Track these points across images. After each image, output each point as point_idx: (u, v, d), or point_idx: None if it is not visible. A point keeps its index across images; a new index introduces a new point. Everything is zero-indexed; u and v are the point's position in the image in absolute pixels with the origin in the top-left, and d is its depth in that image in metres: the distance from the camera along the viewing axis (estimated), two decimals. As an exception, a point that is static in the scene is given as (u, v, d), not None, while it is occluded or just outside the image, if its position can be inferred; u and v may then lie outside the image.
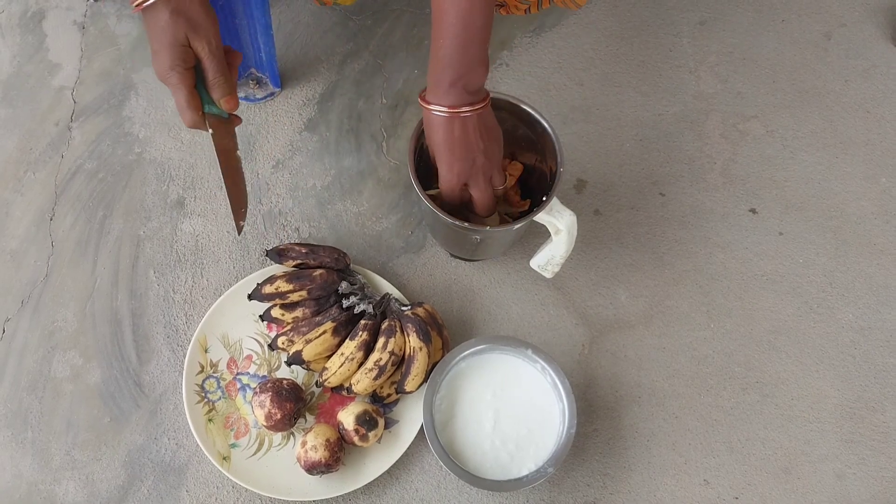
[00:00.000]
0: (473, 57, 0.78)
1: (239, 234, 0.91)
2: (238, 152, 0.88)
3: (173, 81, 0.80)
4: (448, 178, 0.85)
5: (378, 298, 0.96)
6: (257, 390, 0.89)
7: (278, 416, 0.87)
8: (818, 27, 1.23)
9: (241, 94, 1.11)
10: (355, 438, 0.88)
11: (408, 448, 0.91)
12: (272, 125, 1.11)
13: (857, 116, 1.16)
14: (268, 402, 0.87)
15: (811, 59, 1.21)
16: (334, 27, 1.18)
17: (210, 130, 0.85)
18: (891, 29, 1.23)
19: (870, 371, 1.00)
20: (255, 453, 0.91)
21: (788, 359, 1.00)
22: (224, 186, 0.90)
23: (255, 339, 0.96)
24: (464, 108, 0.80)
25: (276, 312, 0.95)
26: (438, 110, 0.81)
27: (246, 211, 0.90)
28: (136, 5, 0.78)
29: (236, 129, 0.89)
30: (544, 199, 0.88)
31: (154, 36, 0.79)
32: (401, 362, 0.92)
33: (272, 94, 1.12)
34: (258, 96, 1.12)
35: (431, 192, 0.89)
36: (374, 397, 0.93)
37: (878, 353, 1.01)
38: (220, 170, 0.88)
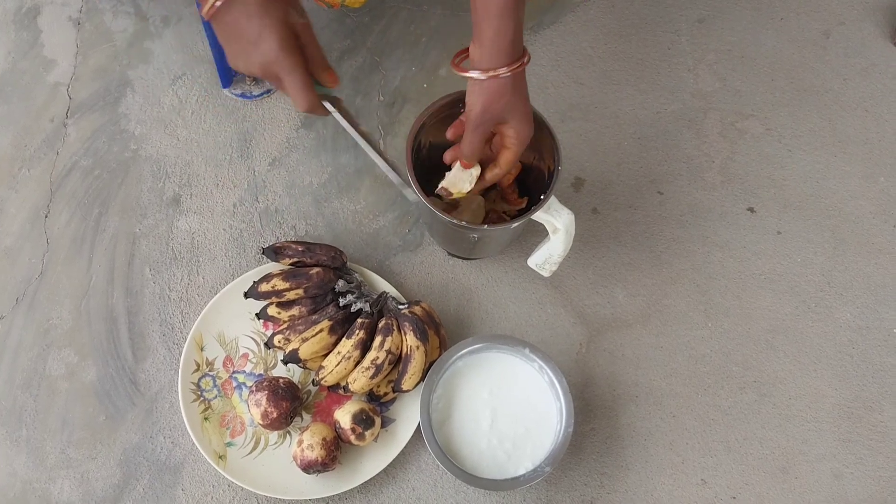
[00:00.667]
0: (521, 12, 0.74)
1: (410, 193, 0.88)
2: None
3: (286, 64, 0.74)
4: (526, 132, 0.83)
5: (375, 297, 0.95)
6: (253, 389, 0.88)
7: (274, 414, 0.87)
8: (817, 25, 1.23)
9: (237, 91, 1.11)
10: (352, 437, 0.88)
11: (405, 447, 0.91)
12: (269, 122, 1.10)
13: (855, 115, 1.16)
14: (264, 401, 0.87)
15: (810, 58, 1.20)
16: (331, 23, 1.18)
17: (332, 109, 0.81)
18: (890, 28, 1.23)
19: (867, 370, 0.99)
20: (251, 452, 0.90)
21: (786, 358, 1.00)
22: (382, 162, 0.87)
23: (252, 338, 0.96)
24: (523, 60, 0.78)
25: (272, 310, 0.95)
26: (504, 72, 0.76)
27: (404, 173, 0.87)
28: (210, 7, 0.73)
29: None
30: (542, 197, 0.87)
31: (246, 26, 0.73)
32: (398, 361, 0.92)
33: (268, 90, 1.12)
34: (255, 93, 1.11)
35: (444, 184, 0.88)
36: (371, 396, 0.93)
37: (876, 353, 1.00)
38: (367, 151, 0.85)
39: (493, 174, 0.86)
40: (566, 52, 1.18)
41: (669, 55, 1.19)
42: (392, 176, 0.89)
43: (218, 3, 0.73)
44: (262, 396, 0.87)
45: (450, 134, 0.87)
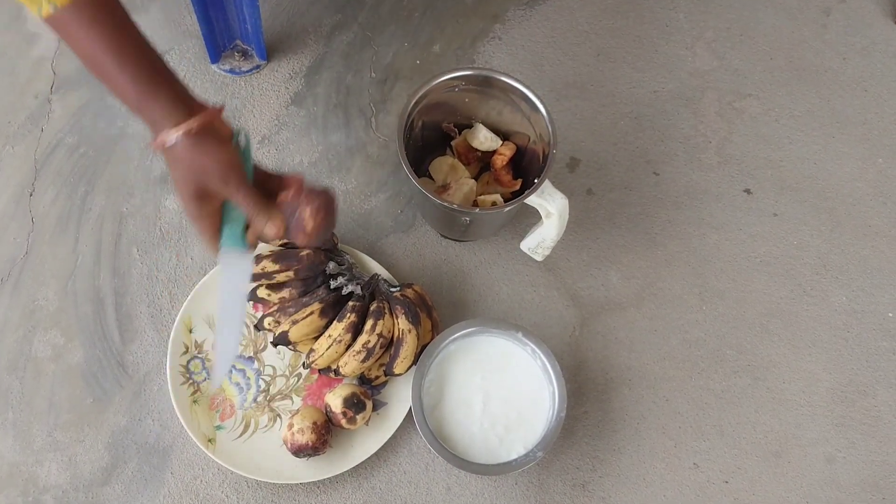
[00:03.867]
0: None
1: (214, 388, 0.84)
2: (245, 302, 0.80)
3: (196, 228, 0.74)
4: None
5: (366, 279, 0.94)
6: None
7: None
8: (817, 3, 1.21)
9: (226, 67, 1.08)
10: (343, 421, 0.87)
11: (396, 431, 0.90)
12: (258, 99, 1.08)
13: (854, 95, 1.14)
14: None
15: (809, 36, 1.18)
16: (322, -2, 1.15)
17: (226, 269, 0.77)
18: (891, 5, 1.21)
19: (862, 354, 0.99)
20: (240, 435, 0.89)
21: (780, 342, 0.99)
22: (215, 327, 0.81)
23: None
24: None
25: (262, 293, 0.93)
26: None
27: (230, 366, 0.82)
28: (152, 148, 0.71)
29: None
30: (536, 181, 0.86)
31: (176, 178, 0.72)
32: (389, 344, 0.91)
33: (258, 66, 1.09)
34: (243, 69, 1.09)
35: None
36: (363, 379, 0.92)
37: (871, 337, 1.00)
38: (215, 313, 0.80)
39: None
40: (562, 29, 1.16)
41: (667, 32, 1.17)
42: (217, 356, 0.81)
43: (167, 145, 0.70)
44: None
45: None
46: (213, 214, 0.74)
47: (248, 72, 1.09)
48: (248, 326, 0.94)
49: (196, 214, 0.73)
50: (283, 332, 0.90)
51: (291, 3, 1.14)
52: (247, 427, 0.90)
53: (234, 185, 0.72)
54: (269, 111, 1.07)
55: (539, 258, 0.94)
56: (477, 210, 0.87)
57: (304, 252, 0.93)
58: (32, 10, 0.64)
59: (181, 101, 0.70)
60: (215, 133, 0.71)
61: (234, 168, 0.72)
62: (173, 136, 0.68)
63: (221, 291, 0.78)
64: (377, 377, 0.92)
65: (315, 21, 1.14)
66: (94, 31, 0.65)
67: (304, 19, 1.14)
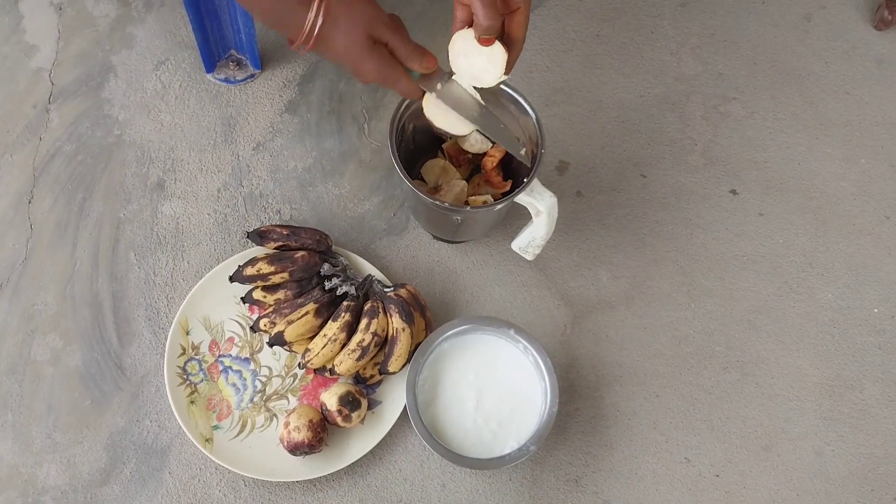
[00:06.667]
0: None
1: (522, 151, 0.86)
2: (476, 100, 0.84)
3: (393, 78, 0.78)
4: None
5: (360, 280, 0.95)
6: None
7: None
8: (798, 9, 1.24)
9: (220, 76, 1.11)
10: (338, 419, 0.88)
11: (391, 428, 0.91)
12: (252, 107, 1.10)
13: (836, 98, 1.17)
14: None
15: (791, 41, 1.21)
16: (315, 8, 1.17)
17: (437, 87, 0.82)
18: (870, 11, 1.24)
19: (848, 349, 1.01)
20: (237, 435, 0.90)
21: (768, 338, 1.01)
22: (468, 114, 0.83)
23: (237, 322, 0.96)
24: None
25: (257, 294, 0.95)
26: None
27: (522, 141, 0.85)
28: (303, 44, 0.75)
29: None
30: (525, 180, 0.88)
31: (340, 55, 0.76)
32: (384, 343, 0.92)
33: (252, 75, 1.12)
34: (238, 78, 1.11)
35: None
36: (357, 378, 0.93)
37: (857, 332, 1.02)
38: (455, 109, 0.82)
39: (515, 53, 0.80)
40: (550, 36, 1.19)
41: (652, 39, 1.20)
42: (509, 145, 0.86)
43: (304, 52, 0.76)
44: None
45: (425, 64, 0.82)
46: (392, 60, 0.78)
47: (242, 81, 1.11)
48: (243, 328, 0.96)
49: (385, 65, 0.77)
50: (278, 332, 0.91)
51: (285, 14, 1.17)
52: (244, 427, 0.91)
53: (392, 25, 0.77)
54: (263, 119, 1.09)
55: (530, 257, 0.96)
56: (468, 208, 0.88)
57: (299, 254, 0.94)
58: None
59: None
60: None
61: (381, 9, 0.77)
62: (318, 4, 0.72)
63: (448, 103, 0.83)
64: (372, 376, 0.93)
65: (308, 31, 1.16)
66: None
67: (298, 29, 1.16)
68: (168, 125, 1.08)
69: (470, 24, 0.79)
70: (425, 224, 1.02)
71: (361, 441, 0.90)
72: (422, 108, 0.91)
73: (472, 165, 1.01)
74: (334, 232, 1.02)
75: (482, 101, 0.84)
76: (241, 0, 0.74)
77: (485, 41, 0.77)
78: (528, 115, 0.92)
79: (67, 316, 0.96)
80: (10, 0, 1.15)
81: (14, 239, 1.00)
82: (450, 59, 0.82)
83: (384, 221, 1.04)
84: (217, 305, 0.96)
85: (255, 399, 0.93)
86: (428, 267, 1.02)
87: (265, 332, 0.93)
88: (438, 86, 0.83)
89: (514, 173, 0.98)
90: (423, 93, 0.84)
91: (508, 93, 0.92)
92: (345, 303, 0.92)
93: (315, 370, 0.93)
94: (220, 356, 0.94)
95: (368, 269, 0.98)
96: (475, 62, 0.81)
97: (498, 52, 0.78)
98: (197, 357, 0.94)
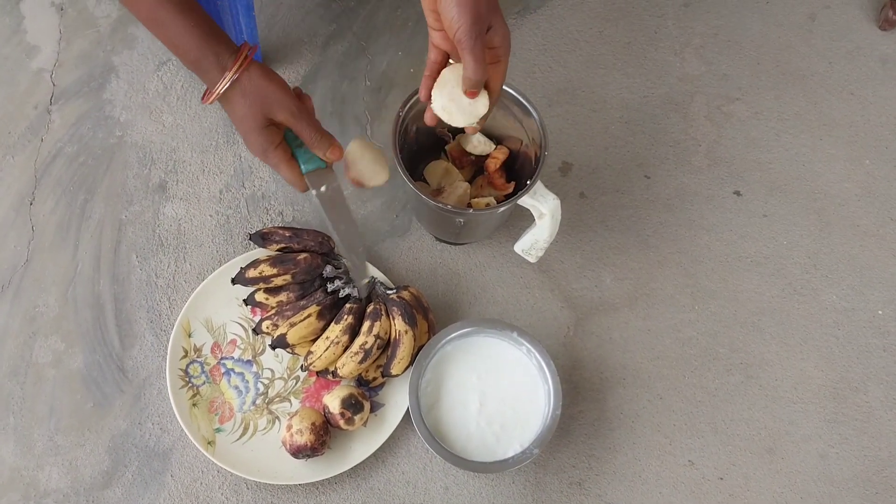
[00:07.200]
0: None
1: (364, 281, 0.88)
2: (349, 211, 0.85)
3: (272, 162, 0.79)
4: (508, 32, 0.77)
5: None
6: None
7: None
8: (802, 9, 1.23)
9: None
10: (341, 422, 0.88)
11: (394, 431, 0.91)
12: (255, 108, 1.09)
13: (841, 98, 1.16)
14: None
15: (795, 41, 1.21)
16: (317, 8, 1.17)
17: (321, 188, 0.82)
18: (874, 11, 1.23)
19: (853, 352, 1.00)
20: (240, 437, 0.90)
21: (772, 340, 1.00)
22: (333, 227, 0.84)
23: (240, 324, 0.96)
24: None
25: (260, 296, 0.95)
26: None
27: (364, 265, 0.87)
28: (207, 99, 0.77)
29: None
30: (528, 182, 0.87)
31: (236, 122, 0.78)
32: (386, 346, 0.92)
33: (255, 76, 1.11)
34: (240, 79, 1.10)
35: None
36: (360, 381, 0.93)
37: (861, 334, 1.01)
38: (327, 217, 0.84)
39: (494, 98, 0.79)
40: (553, 37, 1.18)
41: (656, 39, 1.19)
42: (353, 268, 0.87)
43: (214, 96, 0.77)
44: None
45: (423, 95, 0.82)
46: (283, 145, 0.79)
47: (244, 81, 1.11)
48: (246, 330, 0.95)
49: (268, 146, 0.78)
50: (281, 334, 0.91)
51: (287, 14, 1.16)
52: (246, 429, 0.91)
53: (297, 111, 0.77)
54: (265, 119, 1.09)
55: (533, 260, 0.95)
56: (471, 211, 0.88)
57: (302, 256, 0.94)
58: None
59: (232, 43, 0.76)
60: (267, 67, 0.77)
61: (293, 96, 0.78)
62: (232, 74, 0.74)
63: (325, 210, 0.82)
64: (375, 378, 0.93)
65: (310, 31, 1.16)
66: None
67: (300, 30, 1.16)
68: (170, 126, 1.08)
69: (442, 66, 0.80)
70: (428, 226, 1.01)
71: (364, 444, 0.90)
72: (424, 110, 0.90)
73: (475, 167, 1.01)
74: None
75: (354, 221, 0.86)
76: (167, 43, 0.76)
77: (471, 94, 0.77)
78: (531, 116, 0.92)
79: (69, 318, 0.96)
80: (11, 0, 1.15)
81: (15, 241, 1.00)
82: (433, 92, 0.80)
83: (387, 223, 1.04)
84: (219, 307, 0.96)
85: (258, 402, 0.92)
86: (430, 268, 1.02)
87: (268, 334, 0.93)
88: (323, 188, 0.82)
89: (517, 175, 0.97)
90: (306, 187, 0.82)
91: (511, 94, 0.92)
92: (347, 305, 0.92)
93: (317, 373, 0.93)
94: (222, 358, 0.94)
95: (371, 270, 0.98)
96: (457, 101, 0.79)
97: (482, 101, 0.78)
98: (199, 359, 0.93)
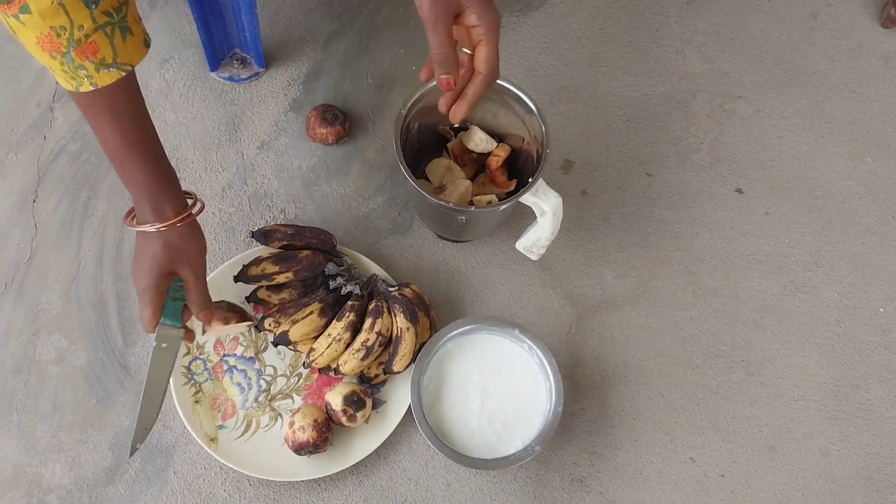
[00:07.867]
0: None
1: (130, 456, 0.83)
2: (171, 376, 0.82)
3: (144, 301, 0.78)
4: (493, 15, 0.76)
5: (365, 279, 0.95)
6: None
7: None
8: (805, 7, 1.23)
9: (225, 75, 1.10)
10: (343, 419, 0.88)
11: (396, 428, 0.91)
12: (257, 105, 1.10)
13: (843, 96, 1.16)
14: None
15: (797, 39, 1.21)
16: (319, 6, 1.17)
17: (162, 344, 0.81)
18: (877, 9, 1.23)
19: (854, 349, 1.00)
20: (242, 434, 0.91)
21: (774, 337, 1.00)
22: (146, 382, 0.81)
23: (242, 321, 0.96)
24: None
25: (262, 294, 0.95)
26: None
27: (147, 433, 0.82)
28: (129, 224, 0.77)
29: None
30: (530, 180, 0.88)
31: (141, 253, 0.77)
32: (388, 343, 0.92)
33: (256, 73, 1.11)
34: (242, 76, 1.11)
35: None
36: (362, 378, 0.93)
37: (863, 332, 1.01)
38: (148, 370, 0.81)
39: (475, 87, 0.76)
40: (555, 35, 1.18)
41: (658, 37, 1.19)
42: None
43: (140, 229, 0.76)
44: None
45: (423, 75, 0.81)
46: (164, 293, 0.79)
47: (246, 79, 1.11)
48: (248, 333, 0.96)
49: (155, 291, 0.77)
50: (283, 332, 0.91)
51: (289, 12, 1.17)
52: (248, 426, 0.91)
53: (201, 273, 0.80)
54: (268, 117, 1.09)
55: (534, 257, 0.95)
56: (472, 209, 0.88)
57: (304, 253, 0.94)
58: (68, 87, 0.67)
59: (181, 192, 0.78)
60: (198, 226, 0.79)
61: (204, 258, 0.80)
62: (163, 226, 0.75)
63: (152, 362, 0.81)
64: (376, 375, 0.93)
65: (312, 29, 1.16)
66: (119, 115, 0.70)
67: (302, 27, 1.16)
68: (172, 124, 1.08)
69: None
70: (430, 223, 1.01)
71: (366, 441, 0.90)
72: (427, 108, 0.91)
73: (476, 165, 1.01)
74: (339, 231, 1.02)
75: (164, 392, 0.82)
76: (121, 173, 0.75)
77: (442, 82, 0.75)
78: (532, 114, 0.92)
79: (72, 315, 0.96)
80: None
81: (19, 238, 1.00)
82: None
83: (389, 220, 1.04)
84: (222, 305, 0.96)
85: (260, 398, 0.93)
86: (432, 266, 1.02)
87: (270, 331, 0.93)
88: (164, 345, 0.81)
89: (519, 173, 0.97)
90: (152, 331, 0.80)
91: (513, 91, 0.92)
92: (349, 302, 0.92)
93: (320, 370, 0.93)
94: (224, 355, 0.94)
95: (373, 268, 0.98)
96: None
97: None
98: (202, 356, 0.94)
